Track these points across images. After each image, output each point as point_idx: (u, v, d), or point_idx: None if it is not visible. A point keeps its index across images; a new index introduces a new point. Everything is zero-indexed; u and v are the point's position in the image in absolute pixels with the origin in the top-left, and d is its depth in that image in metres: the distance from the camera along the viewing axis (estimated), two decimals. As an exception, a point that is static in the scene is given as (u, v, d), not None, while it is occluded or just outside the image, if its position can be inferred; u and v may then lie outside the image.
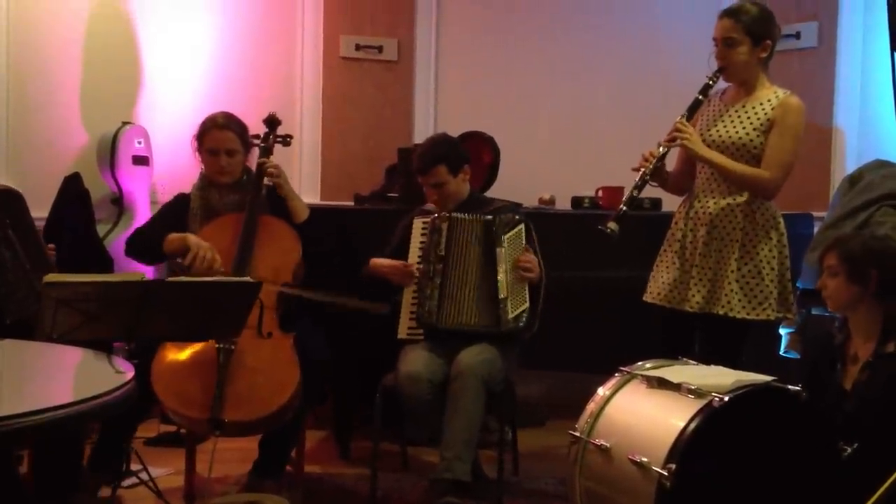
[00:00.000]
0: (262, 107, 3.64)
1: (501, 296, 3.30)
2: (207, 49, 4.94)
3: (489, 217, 3.36)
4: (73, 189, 4.34)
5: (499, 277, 3.31)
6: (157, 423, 3.79)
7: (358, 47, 5.15)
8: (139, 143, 4.65)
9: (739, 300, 3.09)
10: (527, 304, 3.32)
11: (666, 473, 2.31)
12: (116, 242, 4.53)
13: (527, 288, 3.34)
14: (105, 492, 3.04)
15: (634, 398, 2.66)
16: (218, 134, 3.37)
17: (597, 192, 4.42)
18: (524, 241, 3.37)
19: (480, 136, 4.59)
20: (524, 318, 3.31)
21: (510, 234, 3.35)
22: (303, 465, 3.42)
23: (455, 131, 4.65)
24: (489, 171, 4.52)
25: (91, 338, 2.40)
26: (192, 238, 3.24)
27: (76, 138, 4.72)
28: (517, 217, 3.39)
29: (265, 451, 3.24)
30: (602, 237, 3.04)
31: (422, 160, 3.45)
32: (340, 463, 3.84)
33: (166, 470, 3.53)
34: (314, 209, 3.50)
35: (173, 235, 3.27)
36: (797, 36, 4.83)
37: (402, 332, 3.38)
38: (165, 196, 4.63)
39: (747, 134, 3.13)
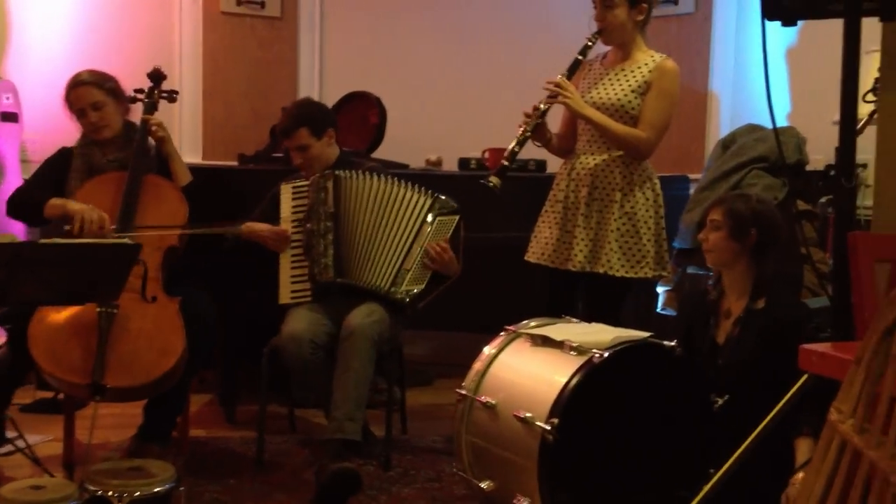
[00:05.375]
0: (140, 62, 3.53)
1: (406, 266, 3.33)
2: (81, 1, 4.74)
3: (435, 194, 3.38)
4: (-64, 146, 4.12)
5: (413, 250, 3.34)
6: (32, 389, 3.67)
7: (239, 2, 5.04)
8: (7, 98, 4.45)
9: (619, 259, 3.19)
10: (422, 287, 3.34)
11: (549, 428, 2.37)
12: (-15, 202, 4.32)
13: (430, 275, 3.35)
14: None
15: (519, 356, 2.72)
16: (77, 92, 3.27)
17: (483, 153, 4.46)
18: (451, 231, 3.38)
19: (367, 96, 4.56)
20: (411, 296, 3.33)
21: (443, 218, 3.38)
22: (188, 430, 3.38)
23: (341, 91, 4.62)
24: (376, 132, 4.50)
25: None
26: (73, 205, 3.10)
27: (-61, 93, 4.48)
28: (456, 207, 3.41)
29: (151, 416, 3.18)
30: (488, 195, 3.10)
31: (284, 123, 3.46)
32: (226, 427, 3.79)
33: (44, 437, 3.42)
34: (196, 169, 3.42)
35: (54, 201, 3.14)
36: (675, 2, 4.95)
37: (285, 298, 3.36)
38: (37, 154, 4.45)
39: (626, 96, 3.22)
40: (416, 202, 3.38)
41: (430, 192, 3.40)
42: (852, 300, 2.22)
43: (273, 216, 3.43)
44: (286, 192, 3.44)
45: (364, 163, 3.60)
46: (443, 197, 3.40)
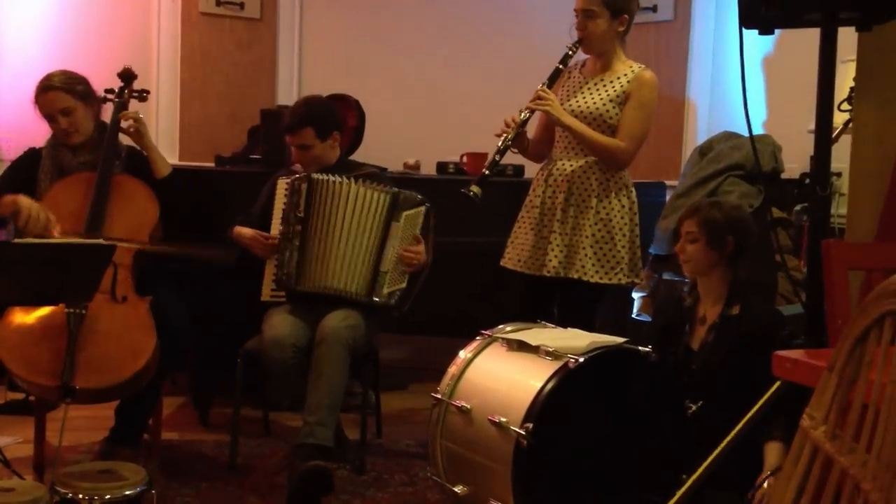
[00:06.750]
0: (117, 62, 3.48)
1: (383, 269, 3.30)
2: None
3: (395, 190, 3.33)
4: None
5: (386, 251, 3.30)
6: (3, 390, 3.63)
7: (218, 3, 5.00)
8: (-20, 96, 4.40)
9: (593, 265, 3.20)
10: (403, 285, 3.34)
11: (523, 433, 2.37)
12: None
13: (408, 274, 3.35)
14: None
15: (495, 361, 2.72)
16: (46, 97, 3.20)
17: (461, 157, 4.46)
18: (420, 224, 3.35)
19: (346, 98, 4.55)
20: (397, 296, 3.32)
21: (410, 212, 3.33)
22: (160, 433, 3.34)
23: (320, 93, 4.58)
24: (354, 135, 4.48)
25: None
26: (23, 200, 3.03)
27: (-89, 91, 4.42)
28: (420, 198, 3.36)
29: (122, 418, 3.15)
30: (466, 200, 3.10)
31: (291, 119, 3.41)
32: (200, 429, 3.77)
33: (14, 439, 3.39)
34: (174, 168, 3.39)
35: (7, 198, 3.07)
36: (654, 9, 4.98)
37: (266, 295, 3.35)
38: (11, 152, 4.40)
39: (604, 105, 3.23)
40: (378, 200, 3.31)
41: (389, 187, 3.34)
42: (825, 308, 2.24)
43: (268, 211, 3.39)
44: (280, 188, 3.39)
45: (361, 167, 3.55)
46: (405, 192, 3.35)
